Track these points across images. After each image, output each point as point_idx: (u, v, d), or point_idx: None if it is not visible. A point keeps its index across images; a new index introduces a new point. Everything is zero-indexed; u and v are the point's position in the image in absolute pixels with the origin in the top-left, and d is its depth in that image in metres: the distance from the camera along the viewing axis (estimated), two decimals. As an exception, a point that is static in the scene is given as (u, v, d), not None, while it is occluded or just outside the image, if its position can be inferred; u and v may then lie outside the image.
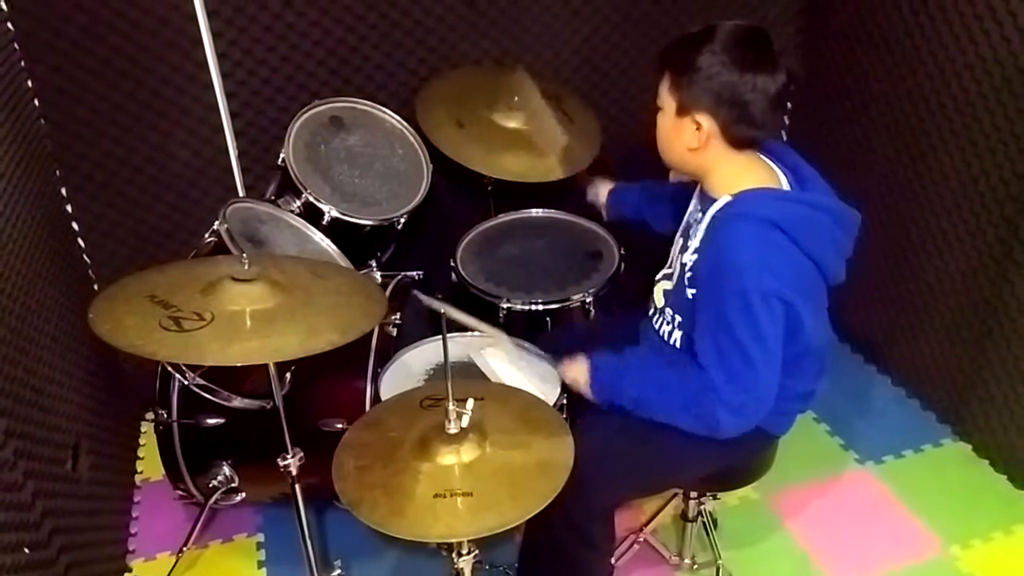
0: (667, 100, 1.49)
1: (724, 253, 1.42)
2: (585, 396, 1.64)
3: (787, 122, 2.82)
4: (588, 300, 2.02)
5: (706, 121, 1.44)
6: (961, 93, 2.14)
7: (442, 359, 1.81)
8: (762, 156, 1.53)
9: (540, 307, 2.01)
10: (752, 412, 1.47)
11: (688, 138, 1.47)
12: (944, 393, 2.42)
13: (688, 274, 1.53)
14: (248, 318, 1.37)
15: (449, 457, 1.30)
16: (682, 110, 1.46)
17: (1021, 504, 2.18)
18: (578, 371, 1.64)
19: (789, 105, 2.77)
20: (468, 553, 1.41)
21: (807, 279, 1.47)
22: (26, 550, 1.50)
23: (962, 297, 2.28)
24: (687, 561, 1.99)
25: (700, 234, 1.51)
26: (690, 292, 1.52)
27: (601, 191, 2.11)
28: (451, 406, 1.30)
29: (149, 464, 2.40)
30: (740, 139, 1.47)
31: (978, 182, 2.16)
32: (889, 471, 2.30)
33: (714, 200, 1.49)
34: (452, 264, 2.16)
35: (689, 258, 1.53)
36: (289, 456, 1.60)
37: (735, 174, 1.49)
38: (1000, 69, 2.02)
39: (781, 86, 1.42)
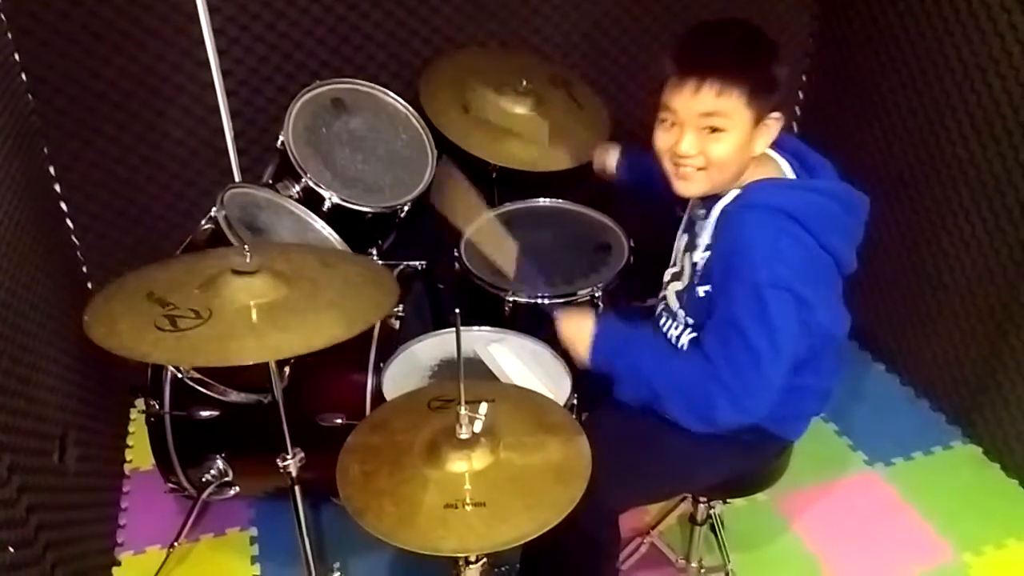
0: (741, 116, 1.38)
1: (736, 244, 1.38)
2: (576, 354, 1.55)
3: (798, 113, 2.76)
4: (597, 294, 1.96)
5: (775, 121, 1.42)
6: (984, 88, 2.08)
7: (446, 354, 1.78)
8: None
9: (547, 300, 1.95)
10: (753, 408, 1.39)
11: (761, 143, 1.43)
12: (955, 394, 2.38)
13: (700, 273, 1.48)
14: (247, 313, 1.30)
15: (460, 464, 1.23)
16: (759, 119, 1.40)
17: (1033, 510, 2.15)
18: (580, 324, 1.56)
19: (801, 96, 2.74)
20: (477, 561, 1.34)
21: (821, 269, 1.42)
22: (10, 549, 1.43)
23: (977, 297, 2.23)
24: (694, 565, 1.94)
25: (709, 230, 1.46)
26: (701, 290, 1.47)
27: (611, 153, 2.02)
28: (463, 411, 1.23)
29: (138, 453, 2.32)
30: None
31: (998, 180, 2.10)
32: (898, 473, 2.26)
33: (718, 196, 1.45)
34: (455, 254, 2.08)
35: (700, 256, 1.48)
36: (289, 457, 1.53)
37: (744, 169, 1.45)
38: (1027, 64, 1.96)
39: None
